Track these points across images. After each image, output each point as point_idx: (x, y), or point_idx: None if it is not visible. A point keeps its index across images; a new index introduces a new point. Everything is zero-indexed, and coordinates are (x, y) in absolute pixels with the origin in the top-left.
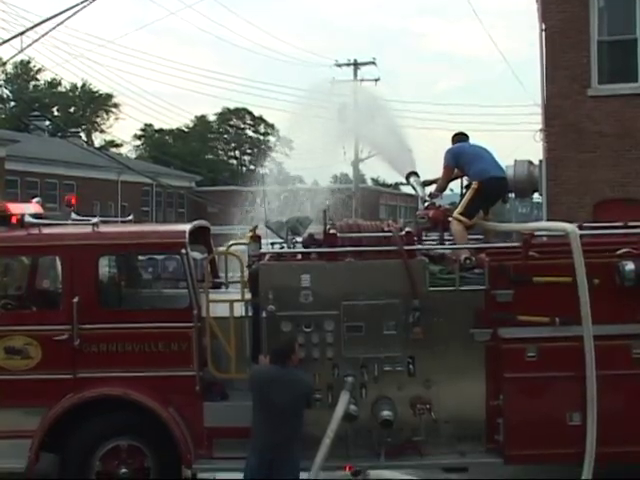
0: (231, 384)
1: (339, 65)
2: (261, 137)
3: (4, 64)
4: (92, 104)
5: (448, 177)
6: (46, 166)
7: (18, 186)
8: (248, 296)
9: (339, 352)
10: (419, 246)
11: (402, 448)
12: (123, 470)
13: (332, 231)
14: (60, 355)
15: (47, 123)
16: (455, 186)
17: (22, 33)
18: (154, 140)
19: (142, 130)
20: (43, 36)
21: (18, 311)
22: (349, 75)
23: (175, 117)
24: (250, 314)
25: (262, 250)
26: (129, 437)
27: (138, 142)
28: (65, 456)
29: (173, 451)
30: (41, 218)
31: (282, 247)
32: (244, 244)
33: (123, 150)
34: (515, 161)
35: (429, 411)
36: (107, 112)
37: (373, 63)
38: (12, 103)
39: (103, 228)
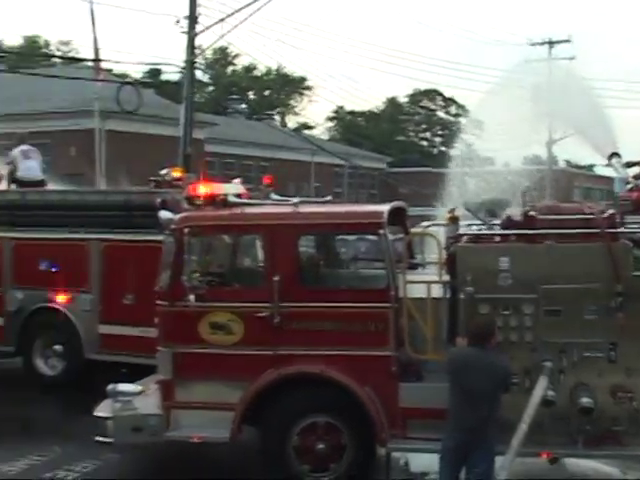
0: (426, 365)
1: (533, 44)
2: (452, 118)
3: (204, 51)
4: (286, 87)
5: None
6: (243, 148)
7: (216, 167)
8: (445, 277)
9: (537, 336)
10: (623, 229)
11: (601, 437)
12: (320, 446)
13: (531, 213)
14: (261, 332)
15: (244, 106)
16: None
17: (222, 20)
18: (346, 122)
19: (334, 112)
20: (242, 22)
21: (222, 288)
22: (543, 54)
23: (366, 99)
24: (447, 295)
25: (460, 232)
26: (326, 414)
27: (330, 124)
28: (265, 429)
29: (368, 430)
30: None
31: (480, 229)
32: (442, 225)
33: (316, 132)
34: None
35: (630, 400)
36: (301, 95)
37: (568, 41)
38: (211, 88)
39: (303, 208)
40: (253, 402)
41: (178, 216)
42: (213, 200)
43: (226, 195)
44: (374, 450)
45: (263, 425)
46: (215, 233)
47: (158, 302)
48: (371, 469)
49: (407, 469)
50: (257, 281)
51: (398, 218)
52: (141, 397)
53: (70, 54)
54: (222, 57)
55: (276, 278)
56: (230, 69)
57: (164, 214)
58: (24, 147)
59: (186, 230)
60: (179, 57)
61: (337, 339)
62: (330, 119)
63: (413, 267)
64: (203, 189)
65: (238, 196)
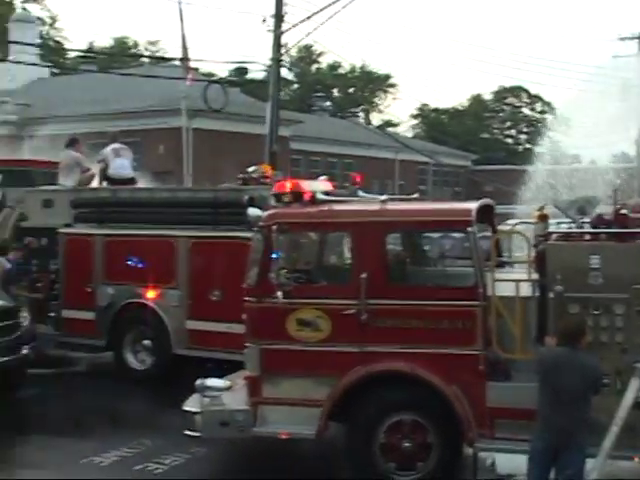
0: (514, 364)
1: (622, 39)
2: (538, 115)
3: (290, 49)
4: (371, 85)
5: None
6: (327, 145)
7: (301, 165)
8: (534, 276)
9: (629, 337)
10: None
11: None
12: (406, 444)
13: (623, 211)
14: (348, 329)
15: (328, 104)
16: None
17: (308, 18)
18: (430, 119)
19: (418, 109)
20: (328, 20)
21: (309, 285)
22: (633, 49)
23: (450, 96)
24: (536, 294)
25: (550, 230)
26: (413, 412)
27: (414, 121)
28: (351, 427)
29: (455, 429)
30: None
31: (570, 227)
32: (530, 223)
33: (400, 129)
34: None
35: None
36: (385, 92)
37: None
38: (296, 85)
39: (391, 205)
40: (340, 399)
41: (266, 213)
42: (301, 197)
43: (314, 192)
44: (461, 449)
45: (349, 422)
46: (303, 230)
47: (246, 298)
48: (457, 469)
49: (494, 470)
50: (344, 278)
51: (486, 216)
52: (229, 392)
53: (158, 54)
54: (307, 55)
55: (363, 275)
56: (315, 67)
57: (252, 211)
58: (115, 145)
59: (274, 227)
60: (265, 55)
61: (424, 337)
62: (414, 116)
63: (501, 265)
64: (291, 186)
65: (326, 193)
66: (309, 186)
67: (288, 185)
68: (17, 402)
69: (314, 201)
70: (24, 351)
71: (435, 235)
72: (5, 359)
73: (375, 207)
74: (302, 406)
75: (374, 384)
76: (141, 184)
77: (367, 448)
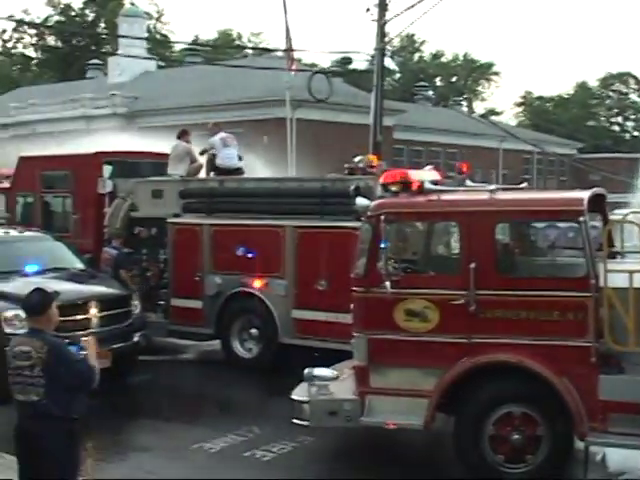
0: (628, 357)
1: None
2: None
3: (393, 38)
4: (473, 73)
5: None
6: (430, 134)
7: (404, 154)
8: None
9: None
10: None
11: None
12: (515, 437)
13: None
14: (456, 319)
15: (431, 93)
16: None
17: (412, 6)
18: (534, 107)
19: (522, 97)
20: (432, 8)
21: (417, 275)
22: None
23: (555, 83)
24: None
25: None
26: (522, 404)
27: (518, 109)
28: (459, 418)
29: (566, 422)
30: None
31: None
32: None
33: (503, 118)
34: None
35: None
36: (488, 80)
37: None
38: (398, 75)
39: (500, 195)
40: (448, 390)
41: (374, 203)
42: (409, 187)
43: (422, 182)
44: (572, 443)
45: (458, 414)
46: (411, 220)
47: (354, 288)
48: (567, 463)
49: (604, 465)
50: (452, 268)
51: (597, 205)
52: (336, 382)
53: (261, 45)
54: (409, 44)
55: (472, 265)
56: (417, 56)
57: (361, 201)
58: (222, 134)
59: (382, 217)
60: (367, 46)
61: (534, 328)
62: (518, 104)
63: (612, 256)
64: (399, 176)
65: (434, 183)
66: (417, 176)
67: (396, 175)
68: (128, 388)
69: (422, 191)
70: (135, 338)
71: (541, 225)
72: (118, 346)
73: (485, 197)
74: (409, 396)
75: (483, 375)
76: (258, 174)
77: (476, 440)
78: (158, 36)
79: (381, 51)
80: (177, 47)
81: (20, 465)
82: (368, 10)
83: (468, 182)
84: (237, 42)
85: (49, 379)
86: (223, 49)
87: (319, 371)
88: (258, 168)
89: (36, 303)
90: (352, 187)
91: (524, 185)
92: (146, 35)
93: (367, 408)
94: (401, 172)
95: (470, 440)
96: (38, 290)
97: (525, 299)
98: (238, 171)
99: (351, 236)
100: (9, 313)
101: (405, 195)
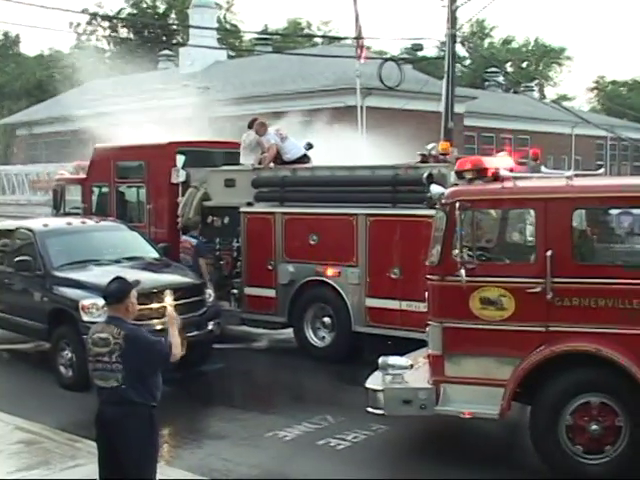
0: None
1: None
2: None
3: (465, 24)
4: (545, 58)
5: None
6: (501, 121)
7: (475, 141)
8: None
9: None
10: None
11: None
12: (594, 427)
13: None
14: (533, 308)
15: (501, 79)
16: None
17: None
18: (607, 92)
19: (595, 82)
20: None
21: (491, 263)
22: None
23: (629, 67)
24: None
25: None
26: (600, 394)
27: (591, 94)
28: (535, 407)
29: None
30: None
31: None
32: None
33: (576, 103)
34: None
35: None
36: (559, 65)
37: None
38: (468, 61)
39: (577, 181)
40: (524, 379)
41: (449, 190)
42: (483, 174)
43: (497, 169)
44: None
45: (535, 403)
46: (487, 207)
47: (428, 277)
48: None
49: None
50: (528, 256)
51: None
52: (411, 370)
53: (330, 33)
54: (479, 30)
55: (549, 253)
56: (487, 41)
57: (435, 188)
58: (272, 131)
59: (457, 204)
60: (436, 32)
61: (612, 317)
62: (590, 89)
63: None
64: (474, 163)
65: (509, 170)
66: (491, 162)
67: (471, 162)
68: (203, 376)
69: (497, 178)
70: (210, 327)
71: (617, 212)
72: (192, 334)
73: (561, 183)
74: (485, 386)
75: (560, 364)
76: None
77: (553, 430)
78: (228, 26)
79: (452, 37)
80: (247, 37)
81: (100, 450)
82: None
83: (543, 169)
84: (306, 31)
85: (127, 365)
86: (292, 38)
87: (394, 360)
88: (328, 156)
89: (115, 291)
90: (425, 175)
91: (601, 171)
92: (216, 25)
93: (442, 397)
94: (476, 159)
95: (547, 430)
96: (118, 279)
97: (603, 287)
98: (305, 158)
99: (424, 224)
100: (86, 301)
101: (480, 182)
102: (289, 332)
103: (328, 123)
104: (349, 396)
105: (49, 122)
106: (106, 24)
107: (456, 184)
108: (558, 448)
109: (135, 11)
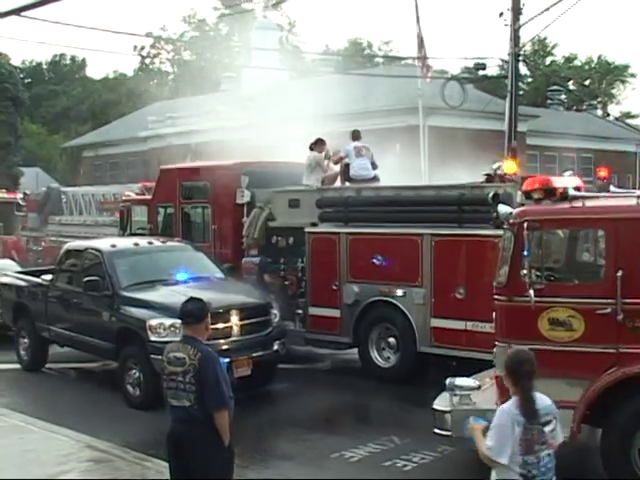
0: None
1: None
2: None
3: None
4: (608, 75)
5: None
6: (563, 139)
7: (537, 160)
8: None
9: None
10: None
11: None
12: None
13: None
14: (603, 329)
15: (564, 97)
16: None
17: (547, 9)
18: None
19: None
20: (567, 10)
21: (560, 283)
22: None
23: None
24: None
25: None
26: None
27: None
28: (607, 430)
29: None
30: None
31: None
32: None
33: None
34: None
35: None
36: (623, 82)
37: None
38: (529, 79)
39: None
40: (594, 402)
41: (517, 210)
42: (552, 194)
43: (565, 188)
44: None
45: (606, 426)
46: (556, 227)
47: (496, 297)
48: None
49: None
50: (598, 276)
51: None
52: (478, 392)
53: (391, 53)
54: (540, 48)
55: (619, 273)
56: (549, 59)
57: (503, 208)
58: (357, 144)
59: (525, 224)
60: (495, 51)
61: None
62: None
63: None
64: (542, 183)
65: (577, 189)
66: (560, 182)
67: (539, 181)
68: (269, 396)
69: (566, 197)
70: (275, 347)
71: None
72: (259, 354)
73: (632, 202)
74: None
75: (632, 386)
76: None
77: (625, 454)
78: (290, 47)
79: (515, 56)
80: (309, 57)
81: (172, 468)
82: (502, 15)
83: (612, 188)
84: (367, 51)
85: (199, 385)
86: (354, 58)
87: (461, 381)
88: (391, 176)
89: (197, 311)
90: (491, 194)
91: None
92: (278, 46)
93: None
94: (544, 179)
95: (619, 454)
96: (196, 299)
97: None
98: (373, 180)
99: (489, 244)
100: (154, 321)
101: (548, 202)
102: (353, 352)
103: (390, 142)
104: (414, 417)
105: (114, 144)
106: (169, 47)
107: (523, 204)
108: (631, 472)
109: (198, 34)
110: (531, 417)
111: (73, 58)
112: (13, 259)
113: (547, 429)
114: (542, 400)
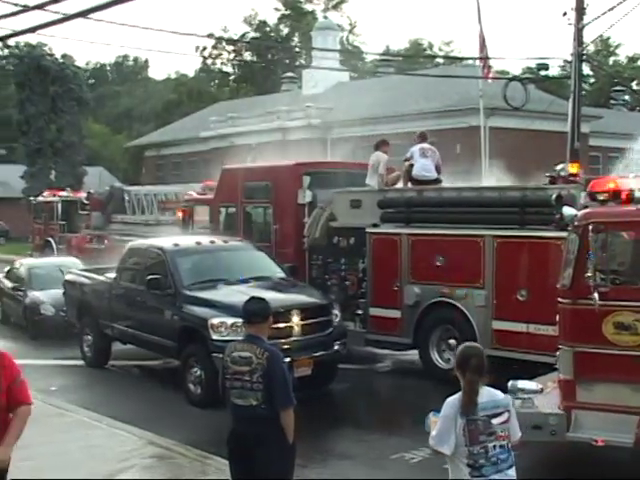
0: None
1: None
2: None
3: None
4: None
5: None
6: (626, 140)
7: (600, 161)
8: None
9: None
10: None
11: None
12: None
13: None
14: None
15: (627, 97)
16: None
17: (611, 9)
18: None
19: None
20: (633, 9)
21: (625, 286)
22: None
23: None
24: None
25: None
26: None
27: None
28: None
29: None
30: None
31: None
32: None
33: None
34: None
35: None
36: None
37: None
38: (592, 80)
39: None
40: None
41: (582, 212)
42: (618, 196)
43: (632, 190)
44: None
45: None
46: (622, 230)
47: (560, 300)
48: None
49: None
50: None
51: None
52: (541, 395)
53: (452, 54)
54: (603, 47)
55: None
56: (612, 59)
57: (567, 210)
58: (424, 145)
59: (591, 226)
60: (560, 51)
61: None
62: None
63: None
64: (608, 184)
65: None
66: (627, 184)
67: (606, 183)
68: (329, 396)
69: (632, 199)
70: (336, 347)
71: None
72: (320, 354)
73: None
74: (618, 413)
75: None
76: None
77: None
78: (351, 48)
79: (579, 56)
80: (369, 58)
81: (234, 467)
82: (565, 14)
83: None
84: (428, 51)
85: (267, 384)
86: (414, 59)
87: (523, 383)
88: (451, 177)
89: (262, 310)
90: (554, 196)
91: None
92: (339, 47)
93: (573, 423)
94: (611, 180)
95: None
96: (259, 299)
97: None
98: (436, 182)
99: (552, 246)
100: (216, 320)
101: (613, 204)
102: (413, 353)
103: (451, 143)
104: None
105: (176, 143)
106: (231, 48)
107: (586, 206)
108: None
109: (259, 34)
110: (467, 411)
111: (136, 59)
112: (77, 257)
113: (495, 421)
114: (491, 394)
